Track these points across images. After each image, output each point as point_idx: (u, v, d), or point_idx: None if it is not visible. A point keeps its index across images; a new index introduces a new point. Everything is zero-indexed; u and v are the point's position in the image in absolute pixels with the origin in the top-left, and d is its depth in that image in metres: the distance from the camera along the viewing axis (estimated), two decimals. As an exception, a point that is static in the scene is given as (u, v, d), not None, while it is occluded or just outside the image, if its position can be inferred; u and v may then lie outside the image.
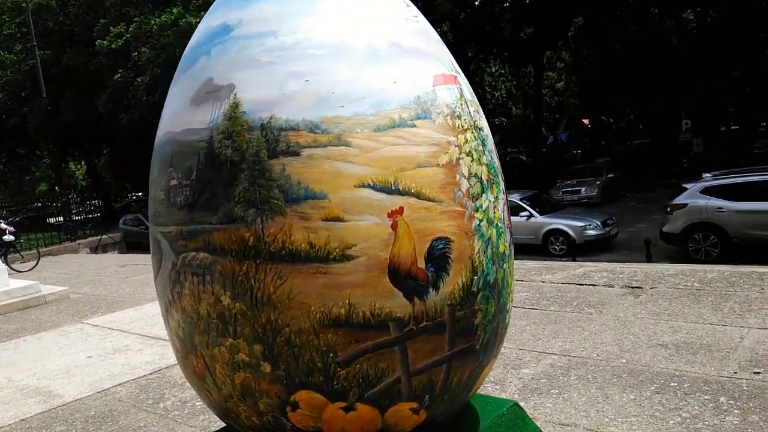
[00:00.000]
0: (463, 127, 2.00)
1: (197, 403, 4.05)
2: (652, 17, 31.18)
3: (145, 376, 4.79)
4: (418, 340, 1.86)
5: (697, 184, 11.79)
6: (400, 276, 1.80)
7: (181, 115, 1.97)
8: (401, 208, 1.80)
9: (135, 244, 24.29)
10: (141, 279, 10.15)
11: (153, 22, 21.49)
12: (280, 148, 1.78)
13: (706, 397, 3.24)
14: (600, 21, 30.63)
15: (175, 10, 21.18)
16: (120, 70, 24.05)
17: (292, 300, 1.77)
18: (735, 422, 2.93)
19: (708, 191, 11.44)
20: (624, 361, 3.91)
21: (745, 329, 4.23)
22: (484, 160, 2.05)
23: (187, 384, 4.38)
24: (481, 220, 1.99)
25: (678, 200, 11.93)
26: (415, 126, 1.87)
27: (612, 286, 5.91)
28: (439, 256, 1.86)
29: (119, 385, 4.64)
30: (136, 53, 22.90)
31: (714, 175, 11.86)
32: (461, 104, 2.04)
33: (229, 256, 1.81)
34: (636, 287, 5.77)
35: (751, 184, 11.02)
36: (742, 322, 4.40)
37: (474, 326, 2.00)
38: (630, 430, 2.99)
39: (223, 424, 2.76)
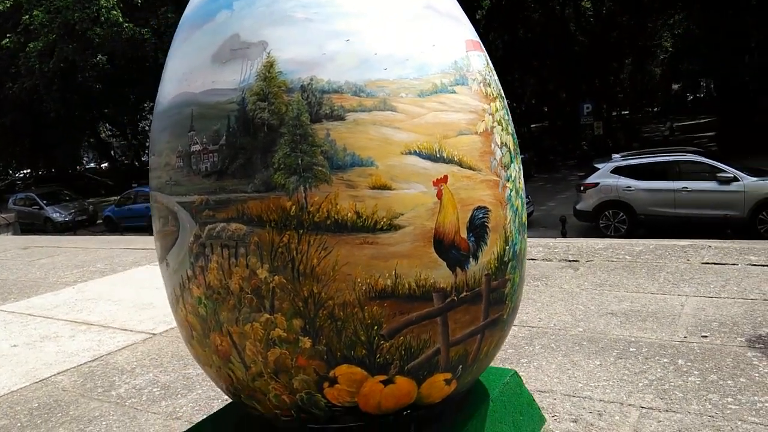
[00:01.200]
0: (492, 95, 1.98)
1: (154, 390, 3.83)
2: (554, 3, 32.52)
3: (86, 363, 4.45)
4: (458, 311, 1.84)
5: (608, 164, 12.52)
6: (444, 246, 1.77)
7: (201, 74, 1.81)
8: (446, 177, 1.76)
9: (28, 225, 22.52)
10: (50, 262, 9.40)
11: (46, -16, 19.70)
12: (323, 112, 1.68)
13: (665, 360, 3.47)
14: (504, 4, 31.47)
15: (70, -29, 19.50)
16: (8, 35, 21.90)
17: (338, 272, 1.69)
18: (697, 382, 3.16)
19: (617, 171, 12.18)
20: (581, 329, 4.11)
21: (683, 297, 4.57)
22: (510, 129, 2.05)
23: (138, 371, 4.14)
24: (511, 190, 1.99)
25: (590, 179, 12.62)
26: (454, 92, 1.84)
27: (551, 260, 6.18)
28: (479, 225, 1.85)
29: (59, 374, 4.29)
30: (27, 16, 20.93)
31: (623, 156, 12.65)
32: (489, 71, 2.02)
33: (267, 226, 1.70)
34: (573, 260, 6.06)
35: (655, 165, 11.86)
36: (678, 290, 4.75)
37: (504, 296, 2.01)
38: (604, 393, 3.15)
39: (211, 412, 2.63)
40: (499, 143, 1.95)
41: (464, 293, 1.83)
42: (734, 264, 5.30)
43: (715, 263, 5.41)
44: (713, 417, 2.79)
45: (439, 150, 1.76)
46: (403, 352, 1.80)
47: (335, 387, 1.81)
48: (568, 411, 3.00)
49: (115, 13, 17.61)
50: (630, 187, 11.83)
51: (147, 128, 38.51)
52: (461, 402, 2.30)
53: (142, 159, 41.40)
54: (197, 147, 1.79)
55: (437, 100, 1.79)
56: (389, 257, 1.71)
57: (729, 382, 3.12)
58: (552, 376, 3.39)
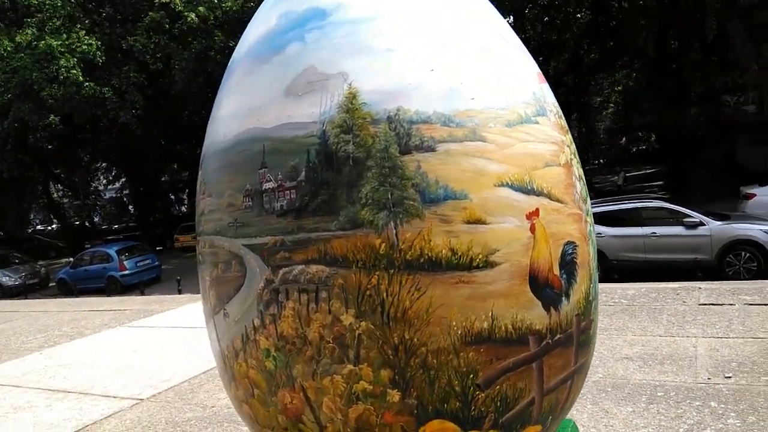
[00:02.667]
0: (565, 127, 1.93)
1: (155, 461, 3.50)
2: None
3: (70, 435, 4.06)
4: (552, 355, 1.71)
5: (576, 212, 12.74)
6: (538, 284, 1.66)
7: (273, 108, 1.69)
8: (537, 210, 1.67)
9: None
10: (10, 327, 8.80)
11: (5, 44, 19.29)
12: (412, 143, 1.58)
13: (697, 403, 3.39)
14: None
15: (29, 31, 19.20)
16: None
17: (432, 315, 1.55)
18: (738, 424, 3.08)
19: (586, 219, 12.40)
20: (601, 375, 4.00)
21: (693, 338, 4.54)
22: (578, 162, 1.99)
23: (132, 440, 3.78)
24: (590, 225, 1.91)
25: (560, 228, 12.79)
26: (537, 123, 1.77)
27: (546, 307, 6.11)
28: (569, 261, 1.75)
29: (41, 449, 3.88)
30: (-18, 75, 20.34)
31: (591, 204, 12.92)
32: (556, 103, 1.97)
33: (353, 267, 1.55)
34: (568, 307, 6.01)
35: (623, 212, 12.14)
36: (685, 332, 4.73)
37: (590, 338, 1.90)
38: (646, 440, 3.03)
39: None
40: (577, 176, 1.87)
41: (558, 335, 1.71)
42: (731, 304, 5.35)
43: (712, 304, 5.44)
44: (767, 460, 2.70)
45: (529, 182, 1.67)
46: (498, 404, 1.64)
47: (424, 445, 1.64)
48: (615, 462, 2.86)
49: (75, 72, 17.29)
50: (600, 233, 12.01)
51: (100, 188, 37.57)
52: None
53: (95, 219, 40.21)
54: (270, 184, 1.65)
55: (523, 131, 1.71)
56: (486, 297, 1.58)
57: (770, 422, 3.05)
58: (588, 427, 3.25)
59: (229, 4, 16.83)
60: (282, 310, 1.63)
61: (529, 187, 1.67)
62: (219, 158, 1.82)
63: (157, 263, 17.98)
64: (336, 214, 1.57)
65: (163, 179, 34.10)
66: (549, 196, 1.71)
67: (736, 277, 10.29)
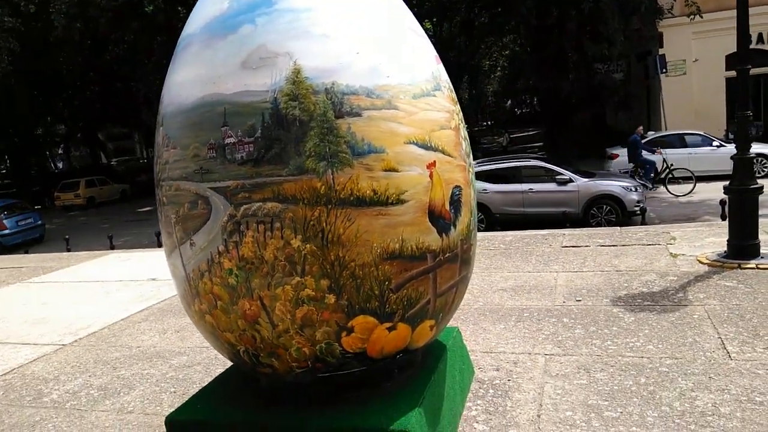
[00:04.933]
0: (455, 99, 2.52)
1: (91, 392, 3.84)
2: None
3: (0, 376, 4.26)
4: (443, 268, 2.34)
5: (464, 170, 13.76)
6: (434, 216, 2.26)
7: (230, 78, 2.12)
8: (434, 162, 2.25)
9: None
10: None
11: None
12: (344, 110, 2.09)
13: (553, 320, 4.25)
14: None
15: None
16: None
17: (359, 238, 2.11)
18: (582, 333, 3.96)
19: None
20: (481, 303, 4.80)
21: (554, 273, 5.48)
22: (464, 126, 2.60)
23: (63, 378, 4.12)
24: (472, 174, 2.53)
25: (450, 184, 13.78)
26: (435, 96, 2.34)
27: (437, 253, 6.90)
28: (456, 200, 2.36)
29: (-30, 390, 4.07)
30: None
31: (477, 162, 14.00)
32: (449, 80, 2.55)
33: (300, 203, 2.06)
34: (456, 252, 6.84)
35: (506, 170, 13.31)
36: (549, 268, 5.66)
37: (470, 257, 2.54)
38: (514, 347, 3.82)
39: (161, 405, 2.87)
40: (463, 137, 2.48)
41: (447, 254, 2.33)
42: (587, 246, 6.39)
43: (572, 246, 6.46)
44: (600, 356, 3.56)
45: (429, 141, 2.24)
46: (405, 303, 2.25)
47: (351, 335, 2.21)
48: (489, 363, 3.62)
49: None
50: (486, 189, 13.12)
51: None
52: (426, 351, 2.79)
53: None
54: (232, 140, 2.10)
55: (425, 102, 2.28)
56: (397, 225, 2.16)
57: (605, 330, 3.95)
58: (469, 340, 4.00)
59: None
60: (243, 237, 2.12)
61: (428, 145, 2.24)
62: (183, 117, 2.23)
63: (40, 222, 17.11)
64: (286, 163, 2.06)
65: (37, 132, 31.71)
66: (443, 152, 2.30)
67: (598, 227, 11.77)
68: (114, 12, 16.55)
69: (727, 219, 5.56)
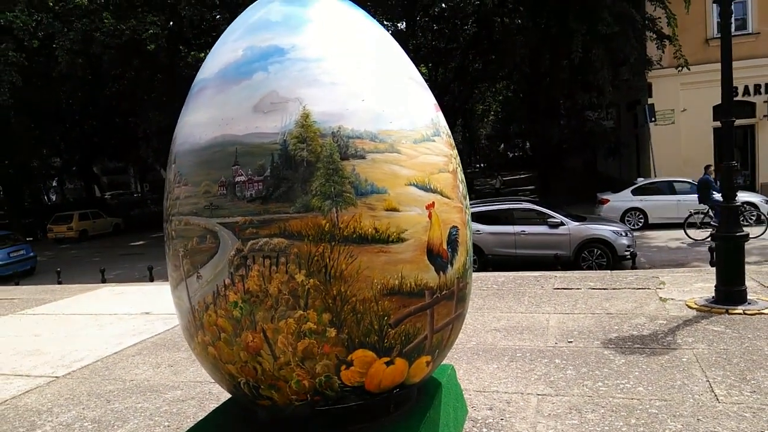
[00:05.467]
0: (453, 144, 2.65)
1: (85, 424, 3.84)
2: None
3: (-10, 408, 4.25)
4: (440, 305, 2.43)
5: (458, 211, 13.93)
6: (433, 254, 2.37)
7: (243, 120, 2.25)
8: (433, 203, 2.37)
9: None
10: None
11: None
12: (350, 152, 2.22)
13: (545, 360, 4.31)
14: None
15: None
16: None
17: (360, 274, 2.20)
18: (573, 374, 4.02)
19: (466, 217, 13.62)
20: (474, 343, 4.86)
21: (546, 315, 5.56)
22: (461, 169, 2.73)
23: (57, 410, 4.14)
24: (468, 215, 2.65)
25: (443, 225, 13.92)
26: (434, 141, 2.47)
27: (430, 292, 6.98)
28: (454, 240, 2.47)
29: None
30: None
31: (471, 204, 14.19)
32: (447, 127, 2.70)
33: (305, 240, 2.16)
34: (449, 292, 6.92)
35: (498, 212, 13.50)
36: (541, 310, 5.75)
37: (465, 295, 2.64)
38: (507, 387, 3.88)
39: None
40: (460, 179, 2.61)
41: (444, 291, 2.43)
42: (578, 288, 6.49)
43: (564, 288, 6.56)
44: (591, 397, 3.62)
45: (428, 183, 2.37)
46: (403, 338, 2.33)
47: (350, 369, 2.29)
48: (482, 402, 3.67)
49: None
50: (479, 231, 13.26)
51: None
52: (422, 388, 2.85)
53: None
54: (242, 178, 2.21)
55: (425, 146, 2.41)
56: (397, 263, 2.26)
57: (596, 372, 4.02)
58: (463, 379, 4.05)
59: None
60: (249, 271, 2.21)
61: (428, 187, 2.37)
62: (195, 156, 2.35)
63: (32, 254, 17.04)
64: (293, 201, 2.17)
65: (32, 164, 31.81)
66: (441, 194, 2.42)
67: (589, 270, 11.88)
68: (117, 49, 16.89)
69: (715, 265, 5.69)
